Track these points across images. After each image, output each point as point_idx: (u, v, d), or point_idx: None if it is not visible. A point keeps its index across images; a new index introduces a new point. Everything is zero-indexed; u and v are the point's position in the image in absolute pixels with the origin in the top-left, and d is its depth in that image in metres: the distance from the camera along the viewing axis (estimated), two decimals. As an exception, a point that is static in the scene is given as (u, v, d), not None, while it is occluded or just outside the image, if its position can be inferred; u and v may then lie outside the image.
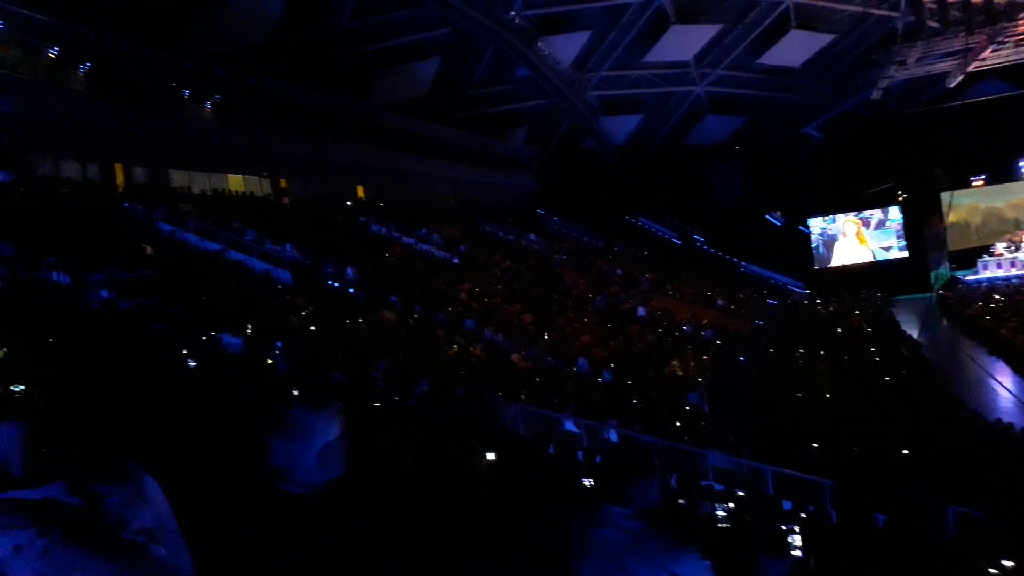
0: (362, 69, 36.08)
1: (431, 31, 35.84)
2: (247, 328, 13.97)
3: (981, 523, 11.14)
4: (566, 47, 39.91)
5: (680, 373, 21.79)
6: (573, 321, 25.22)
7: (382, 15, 33.83)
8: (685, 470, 13.08)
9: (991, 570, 9.29)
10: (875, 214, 48.51)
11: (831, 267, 48.67)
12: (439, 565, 2.66)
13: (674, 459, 13.29)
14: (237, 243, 21.05)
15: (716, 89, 45.33)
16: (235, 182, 29.15)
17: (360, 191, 35.41)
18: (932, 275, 44.91)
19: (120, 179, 24.35)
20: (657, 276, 37.44)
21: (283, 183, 31.35)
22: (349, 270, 21.99)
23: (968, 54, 34.81)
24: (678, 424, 16.85)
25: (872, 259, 48.18)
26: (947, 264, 45.40)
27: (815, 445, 16.07)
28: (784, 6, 37.41)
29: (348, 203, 33.37)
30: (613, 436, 13.88)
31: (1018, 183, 45.50)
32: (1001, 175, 45.52)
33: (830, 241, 49.29)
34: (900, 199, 47.53)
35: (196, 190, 26.39)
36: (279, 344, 13.44)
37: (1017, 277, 39.26)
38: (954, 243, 45.81)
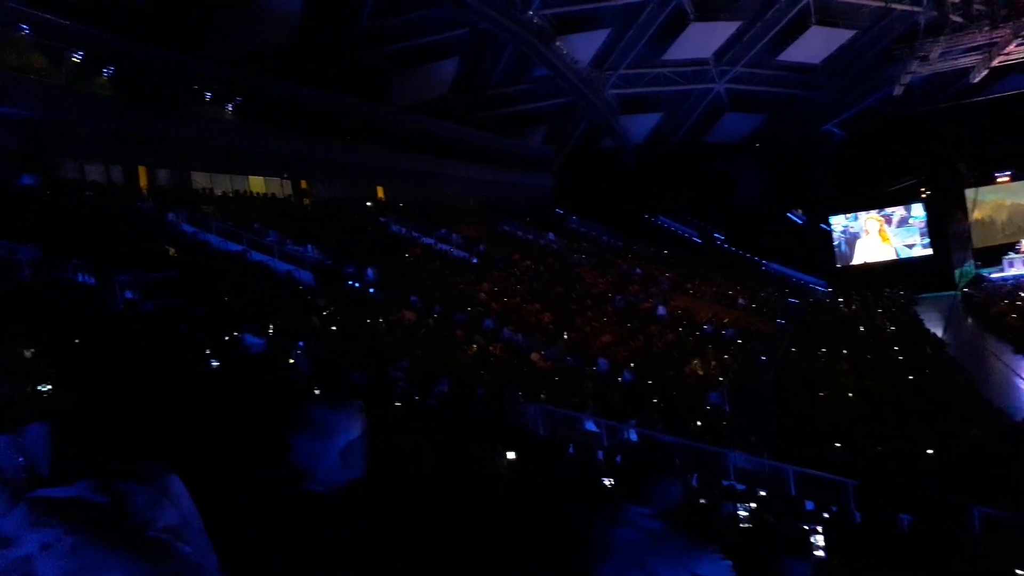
0: (381, 71, 36.27)
1: (449, 31, 35.98)
2: (269, 328, 14.12)
3: (1007, 523, 10.98)
4: (584, 46, 39.84)
5: (701, 373, 21.65)
6: (592, 320, 25.14)
7: (400, 16, 33.99)
8: (706, 470, 13.02)
9: (1017, 571, 9.17)
10: (898, 211, 47.99)
11: (853, 265, 48.23)
12: (459, 565, 2.67)
13: (695, 459, 13.24)
14: (259, 244, 21.29)
15: (736, 87, 45.07)
16: (256, 184, 29.42)
17: (380, 192, 35.63)
18: (956, 272, 44.38)
19: (143, 181, 24.67)
20: (677, 275, 37.22)
21: (304, 184, 31.63)
22: (369, 270, 22.10)
23: (992, 49, 34.41)
24: (699, 424, 16.74)
25: (895, 257, 47.71)
26: (972, 261, 44.84)
27: (838, 445, 15.91)
28: (804, 2, 37.16)
29: (368, 204, 33.61)
30: (633, 436, 13.85)
31: (1045, 179, 44.94)
32: (1027, 171, 44.93)
33: (852, 239, 48.81)
34: (923, 196, 47.02)
35: (218, 192, 26.67)
36: (301, 344, 13.56)
37: (1043, 274, 38.68)
38: (979, 240, 45.29)
